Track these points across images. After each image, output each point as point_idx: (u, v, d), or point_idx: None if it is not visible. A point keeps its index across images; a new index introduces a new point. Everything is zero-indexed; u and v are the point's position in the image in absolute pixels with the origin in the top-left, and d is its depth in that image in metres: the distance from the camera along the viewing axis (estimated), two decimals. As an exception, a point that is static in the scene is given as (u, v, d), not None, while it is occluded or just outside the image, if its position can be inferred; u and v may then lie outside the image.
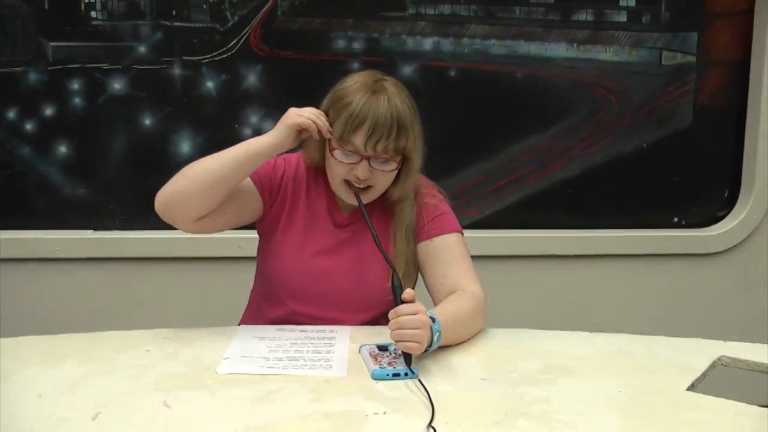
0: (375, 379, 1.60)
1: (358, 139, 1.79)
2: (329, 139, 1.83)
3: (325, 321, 1.88)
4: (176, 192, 1.83)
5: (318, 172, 1.94)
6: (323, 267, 1.90)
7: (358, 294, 1.88)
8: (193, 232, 1.89)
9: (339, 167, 1.83)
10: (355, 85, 1.82)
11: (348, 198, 1.86)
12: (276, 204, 1.93)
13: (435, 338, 1.66)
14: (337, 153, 1.82)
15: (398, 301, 1.66)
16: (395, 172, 1.86)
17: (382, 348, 1.71)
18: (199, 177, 1.80)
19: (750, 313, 3.06)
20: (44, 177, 2.86)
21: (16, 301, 2.84)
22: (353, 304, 1.89)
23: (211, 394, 1.53)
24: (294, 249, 1.92)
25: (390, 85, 1.84)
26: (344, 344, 1.76)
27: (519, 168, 2.96)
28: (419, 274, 1.96)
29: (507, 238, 2.97)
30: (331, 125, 1.82)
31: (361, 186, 1.84)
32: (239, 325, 2.01)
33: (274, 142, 1.81)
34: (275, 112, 2.80)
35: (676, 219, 3.08)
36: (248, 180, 1.89)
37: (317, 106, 1.87)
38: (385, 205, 1.92)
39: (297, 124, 1.79)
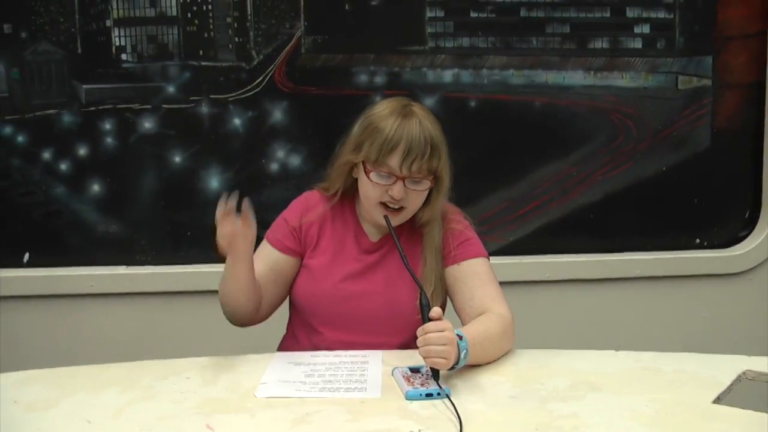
0: (409, 400, 1.65)
1: (394, 161, 1.86)
2: (364, 163, 1.89)
3: (357, 345, 1.93)
4: (223, 310, 1.99)
5: (343, 201, 2.00)
6: (352, 291, 1.97)
7: (388, 316, 1.94)
8: (264, 320, 2.03)
9: (375, 189, 1.89)
10: (385, 110, 1.91)
11: (382, 219, 1.92)
12: (306, 245, 2.02)
13: (462, 355, 1.71)
14: (373, 175, 1.89)
15: (426, 319, 1.71)
16: (427, 191, 1.93)
17: (415, 370, 1.76)
18: (221, 296, 1.97)
19: (773, 332, 3.09)
20: (78, 215, 2.93)
21: (54, 336, 2.91)
22: (384, 326, 1.95)
23: (251, 416, 1.59)
24: (323, 276, 1.99)
25: (418, 109, 1.93)
26: (377, 367, 1.82)
27: (541, 195, 3.01)
28: (447, 299, 2.02)
29: (531, 264, 3.01)
30: (361, 149, 1.89)
31: (396, 206, 1.90)
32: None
33: (227, 265, 1.89)
34: (301, 146, 2.91)
35: (698, 240, 3.12)
36: (276, 253, 2.01)
37: (342, 139, 1.96)
38: (413, 228, 1.98)
39: (220, 246, 1.83)
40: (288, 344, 2.07)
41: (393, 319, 1.94)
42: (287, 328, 2.12)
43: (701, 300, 3.11)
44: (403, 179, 1.87)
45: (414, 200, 1.91)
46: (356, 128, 1.93)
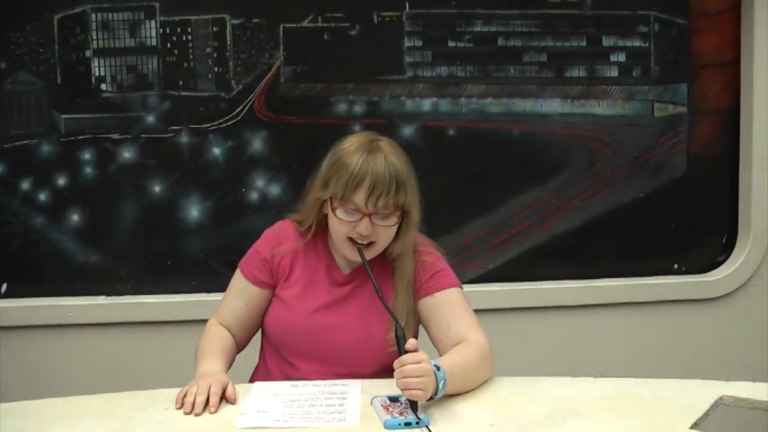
0: (387, 429, 1.65)
1: (359, 198, 1.86)
2: (331, 199, 1.90)
3: (328, 376, 1.93)
4: None
5: (315, 233, 2.01)
6: (324, 323, 1.96)
7: (361, 348, 1.94)
8: (242, 350, 2.09)
9: (342, 226, 1.90)
10: (352, 146, 1.90)
11: (352, 255, 1.92)
12: (278, 275, 2.02)
13: (440, 386, 1.71)
14: (339, 212, 1.89)
15: (402, 351, 1.71)
16: (396, 226, 1.93)
17: (393, 399, 1.76)
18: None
19: (752, 356, 3.10)
20: (57, 245, 2.93)
21: (32, 367, 2.89)
22: (356, 358, 1.94)
23: (229, 447, 1.58)
24: (294, 307, 1.98)
25: (385, 144, 1.92)
26: (356, 396, 1.81)
27: (520, 222, 3.03)
28: (422, 330, 2.02)
29: (511, 291, 3.02)
30: (328, 185, 1.90)
31: (364, 242, 1.90)
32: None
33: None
34: (280, 175, 2.92)
35: (676, 266, 3.14)
36: (251, 287, 2.02)
37: (312, 174, 1.96)
38: (384, 262, 1.98)
39: (184, 392, 1.80)
40: (260, 375, 2.06)
41: (365, 351, 1.93)
42: (259, 357, 2.11)
43: (680, 325, 3.13)
44: (369, 215, 1.87)
45: (383, 236, 1.91)
46: (324, 164, 1.94)
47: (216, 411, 1.75)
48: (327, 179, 1.90)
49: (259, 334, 2.09)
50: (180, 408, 1.76)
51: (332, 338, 1.95)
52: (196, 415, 1.73)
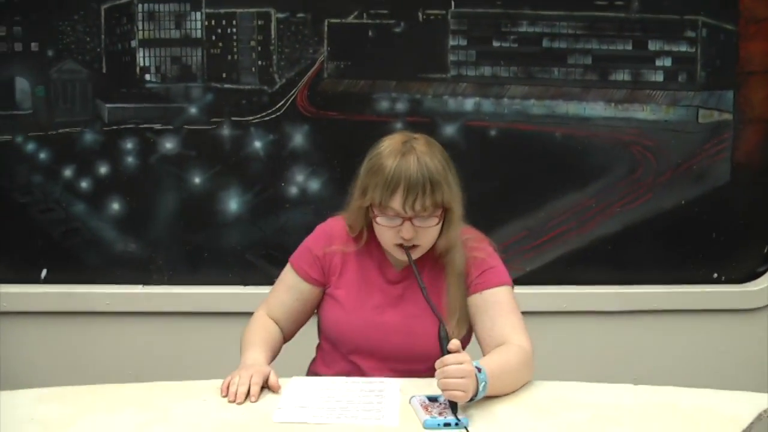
0: (426, 429, 1.64)
1: (396, 203, 1.86)
2: (371, 206, 1.90)
3: (388, 373, 1.94)
4: None
5: (368, 230, 2.00)
6: (380, 321, 1.97)
7: (417, 345, 1.93)
8: (288, 341, 2.11)
9: (385, 232, 1.90)
10: (385, 150, 1.90)
11: (401, 257, 1.93)
12: (329, 273, 2.03)
13: (481, 387, 1.71)
14: (379, 219, 1.90)
15: (445, 351, 1.71)
16: (439, 225, 1.92)
17: (432, 399, 1.75)
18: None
19: (791, 368, 3.07)
20: (97, 233, 2.95)
21: (70, 353, 2.92)
22: (413, 354, 1.94)
23: (268, 441, 1.58)
24: (352, 307, 1.99)
25: (420, 143, 1.91)
26: (395, 395, 1.81)
27: (559, 225, 3.01)
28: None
29: (548, 295, 3.00)
30: (366, 193, 1.90)
31: (409, 245, 1.90)
32: (307, 376, 2.09)
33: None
34: (321, 171, 2.92)
35: (715, 275, 3.10)
36: (302, 283, 2.04)
37: (358, 169, 1.95)
38: (435, 257, 1.98)
39: (228, 380, 1.82)
40: (319, 369, 2.07)
41: (422, 347, 1.91)
42: (317, 351, 2.13)
43: (718, 335, 3.10)
44: (410, 219, 1.87)
45: (426, 236, 1.91)
46: (361, 170, 1.94)
47: (256, 400, 1.76)
48: (365, 187, 1.91)
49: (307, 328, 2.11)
50: (225, 396, 1.77)
51: (389, 336, 1.96)
52: (239, 404, 1.74)
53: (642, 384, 1.89)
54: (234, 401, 1.75)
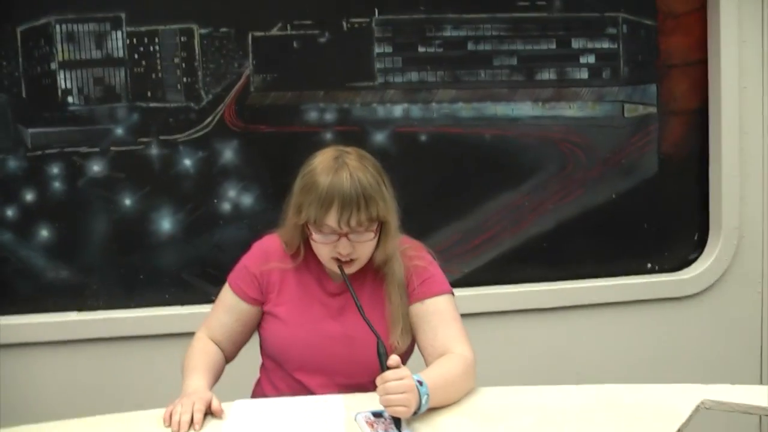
0: (373, 446, 1.64)
1: (331, 220, 1.85)
2: (306, 224, 1.90)
3: (334, 388, 1.93)
4: None
5: (305, 246, 1.99)
6: (324, 335, 1.96)
7: (361, 358, 1.92)
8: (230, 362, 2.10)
9: (322, 248, 1.90)
10: (318, 167, 1.89)
11: (340, 272, 1.92)
12: (267, 291, 2.01)
13: (423, 401, 1.71)
14: (315, 236, 1.89)
15: (384, 367, 1.71)
16: (375, 239, 1.92)
17: (377, 414, 1.75)
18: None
19: (728, 352, 3.14)
20: (26, 261, 2.87)
21: (5, 388, 2.84)
22: (358, 368, 1.93)
23: (214, 471, 1.56)
24: (293, 322, 1.98)
25: (351, 159, 1.90)
26: (339, 412, 1.80)
27: (493, 225, 3.03)
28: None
29: (486, 295, 3.02)
30: (301, 211, 1.89)
31: (346, 259, 1.90)
32: (252, 397, 2.07)
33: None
34: (253, 185, 2.90)
35: (649, 265, 3.16)
36: (241, 304, 2.02)
37: (291, 182, 1.94)
38: (374, 268, 1.98)
39: (170, 410, 1.80)
40: (265, 389, 2.05)
41: (366, 361, 1.90)
42: (261, 372, 2.11)
43: (655, 323, 3.15)
44: (345, 235, 1.87)
45: (363, 251, 1.91)
46: (295, 188, 1.93)
47: (201, 428, 1.74)
48: (299, 205, 1.90)
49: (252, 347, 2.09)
50: (168, 426, 1.74)
51: (332, 348, 1.96)
52: None
53: (585, 377, 1.93)
54: (178, 431, 1.73)
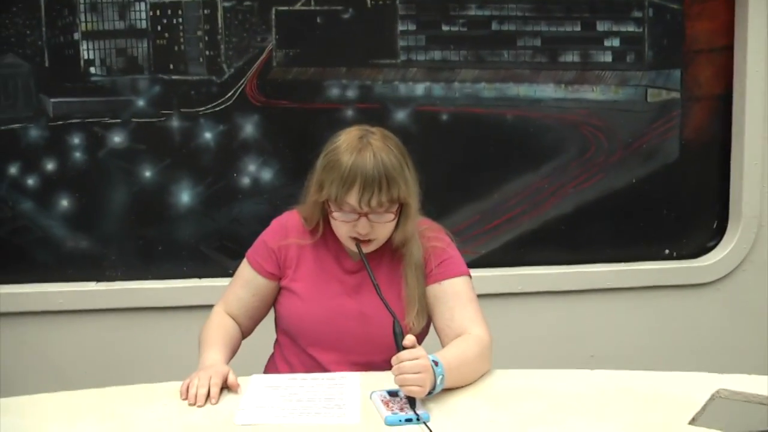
0: (388, 425, 1.65)
1: (352, 199, 1.86)
2: (327, 201, 1.90)
3: (351, 365, 1.94)
4: None
5: (324, 223, 2.00)
6: (339, 311, 1.97)
7: (377, 336, 1.92)
8: (246, 337, 2.11)
9: (341, 226, 1.91)
10: (342, 146, 1.89)
11: (358, 250, 1.92)
12: (285, 266, 2.02)
13: (438, 381, 1.72)
14: (335, 214, 1.90)
15: (400, 347, 1.72)
16: (395, 220, 1.92)
17: (393, 393, 1.75)
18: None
19: (744, 341, 3.12)
20: (46, 231, 2.89)
21: (25, 355, 2.87)
22: (373, 346, 1.94)
23: (230, 445, 1.58)
24: (310, 298, 1.99)
25: (376, 139, 1.90)
26: (355, 390, 1.81)
27: (512, 207, 3.03)
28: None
29: (502, 277, 3.02)
30: (322, 188, 1.89)
31: (365, 239, 1.90)
32: (264, 373, 2.08)
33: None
34: (272, 160, 2.90)
35: (667, 251, 3.15)
36: (258, 278, 2.03)
37: (315, 157, 1.94)
38: (392, 248, 1.98)
39: (187, 383, 1.81)
40: (278, 365, 2.07)
41: (382, 338, 1.90)
42: (275, 348, 2.12)
43: (671, 310, 3.14)
44: (366, 215, 1.87)
45: (381, 232, 1.92)
46: (318, 165, 1.93)
47: (217, 402, 1.76)
48: (321, 182, 1.90)
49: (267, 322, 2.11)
50: (185, 399, 1.76)
51: (348, 326, 1.96)
52: (199, 407, 1.73)
53: (599, 360, 1.93)
54: (194, 404, 1.74)
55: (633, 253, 3.12)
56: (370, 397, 1.76)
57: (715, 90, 3.07)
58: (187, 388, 1.78)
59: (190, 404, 1.75)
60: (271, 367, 2.11)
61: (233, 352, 2.01)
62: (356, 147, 1.87)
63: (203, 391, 1.76)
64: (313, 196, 1.94)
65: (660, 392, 1.81)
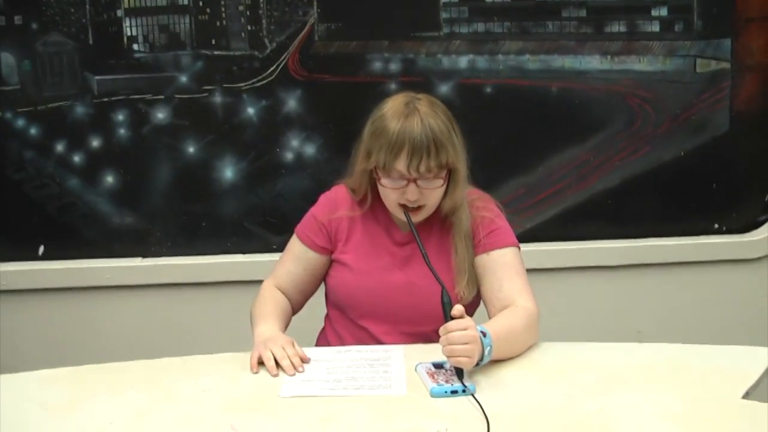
0: (434, 397, 1.64)
1: (401, 165, 1.84)
2: (376, 168, 1.89)
3: (399, 336, 1.94)
4: None
5: (373, 193, 1.99)
6: (390, 283, 1.97)
7: (427, 306, 1.89)
8: (296, 312, 2.12)
9: (390, 193, 1.89)
10: (388, 112, 1.89)
11: (406, 219, 1.91)
12: (336, 239, 2.02)
13: (486, 352, 1.70)
14: (384, 181, 1.89)
15: (448, 317, 1.70)
16: (444, 187, 1.91)
17: (438, 366, 1.74)
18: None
19: (796, 317, 3.07)
20: (92, 207, 2.92)
21: (71, 329, 2.91)
22: (423, 316, 1.92)
23: (275, 416, 1.58)
24: (361, 270, 1.99)
25: (422, 105, 1.89)
26: (400, 363, 1.80)
27: (558, 181, 2.98)
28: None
29: (549, 251, 2.99)
30: (370, 156, 1.88)
31: (414, 206, 1.89)
32: (316, 346, 2.08)
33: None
34: (315, 135, 2.89)
35: (716, 226, 3.08)
36: (309, 252, 2.04)
37: (358, 131, 1.93)
38: (441, 218, 1.97)
39: (256, 356, 1.80)
40: (330, 339, 2.07)
41: (432, 308, 1.88)
42: (325, 322, 2.12)
43: (720, 285, 3.08)
44: (414, 180, 1.86)
45: (431, 198, 1.90)
46: (365, 133, 1.93)
47: (304, 370, 1.77)
48: (369, 149, 1.90)
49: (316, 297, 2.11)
50: (255, 372, 1.77)
51: (398, 297, 1.96)
52: (290, 375, 1.75)
53: (646, 336, 1.89)
54: (276, 375, 1.75)
55: (680, 228, 3.06)
56: (416, 369, 1.75)
57: (766, 59, 2.99)
58: (257, 362, 1.78)
59: (273, 375, 1.75)
60: (322, 341, 2.12)
61: (286, 325, 2.01)
62: (403, 113, 1.86)
63: (287, 363, 1.77)
64: (361, 165, 1.93)
65: (711, 366, 1.78)
